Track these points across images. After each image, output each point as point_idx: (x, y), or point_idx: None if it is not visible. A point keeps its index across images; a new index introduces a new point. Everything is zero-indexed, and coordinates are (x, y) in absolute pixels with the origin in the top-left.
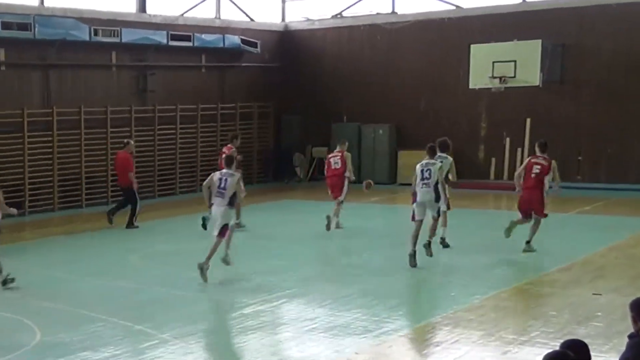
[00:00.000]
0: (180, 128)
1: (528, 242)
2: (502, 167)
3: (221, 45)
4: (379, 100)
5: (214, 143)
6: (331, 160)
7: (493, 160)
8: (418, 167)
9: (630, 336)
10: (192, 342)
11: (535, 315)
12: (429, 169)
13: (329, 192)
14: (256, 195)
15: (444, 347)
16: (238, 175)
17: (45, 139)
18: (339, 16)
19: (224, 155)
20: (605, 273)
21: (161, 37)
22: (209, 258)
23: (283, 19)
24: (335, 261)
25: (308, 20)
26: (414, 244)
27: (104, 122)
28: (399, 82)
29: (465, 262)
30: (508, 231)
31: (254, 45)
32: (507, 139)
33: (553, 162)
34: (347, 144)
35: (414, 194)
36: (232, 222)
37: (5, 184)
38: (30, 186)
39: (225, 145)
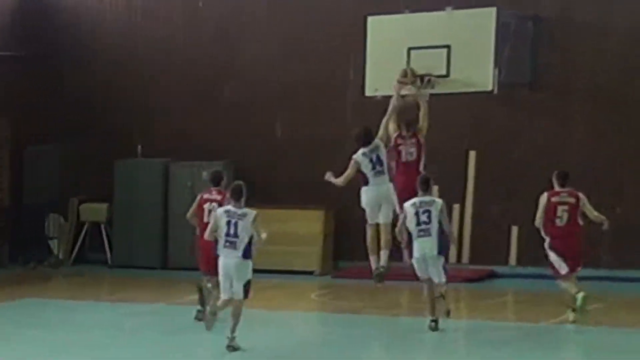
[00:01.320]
0: None
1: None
2: None
3: None
4: (203, 119)
5: None
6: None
7: None
8: (409, 207)
9: None
10: None
11: None
12: (428, 211)
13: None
14: None
15: None
16: (253, 213)
17: None
18: None
19: (209, 202)
20: None
21: None
22: (233, 331)
23: None
24: None
25: None
26: (432, 312)
27: None
28: (240, 88)
29: None
30: (582, 309)
31: None
32: (435, 188)
33: (580, 195)
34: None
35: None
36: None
37: None
38: None
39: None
